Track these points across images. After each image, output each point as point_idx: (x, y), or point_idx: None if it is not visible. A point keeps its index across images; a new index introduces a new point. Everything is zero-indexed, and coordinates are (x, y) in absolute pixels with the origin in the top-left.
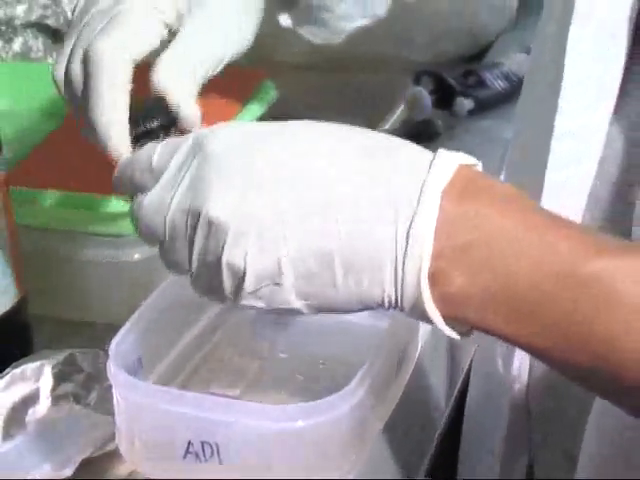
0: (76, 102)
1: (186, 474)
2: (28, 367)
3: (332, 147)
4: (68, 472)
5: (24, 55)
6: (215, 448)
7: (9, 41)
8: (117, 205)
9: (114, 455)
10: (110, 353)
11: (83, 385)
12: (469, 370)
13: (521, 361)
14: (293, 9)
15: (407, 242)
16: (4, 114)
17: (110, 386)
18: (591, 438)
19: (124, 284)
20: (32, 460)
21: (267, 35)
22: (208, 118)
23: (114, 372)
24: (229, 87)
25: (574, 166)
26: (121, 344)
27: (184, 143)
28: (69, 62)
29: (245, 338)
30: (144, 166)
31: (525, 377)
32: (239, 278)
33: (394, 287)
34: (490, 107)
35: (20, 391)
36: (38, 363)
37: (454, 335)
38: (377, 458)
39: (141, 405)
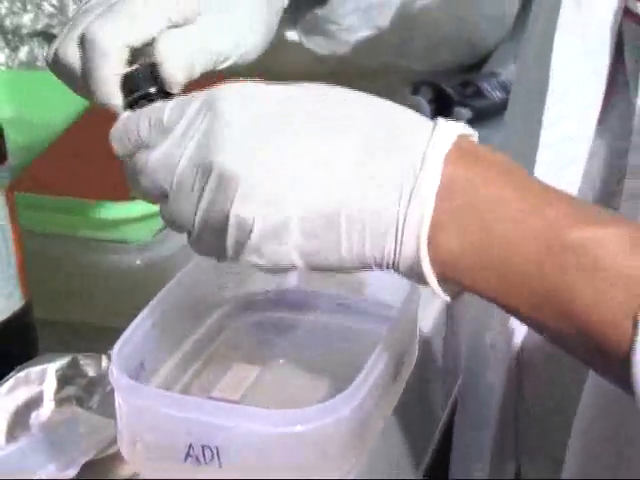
0: (73, 85)
1: (187, 477)
2: (32, 370)
3: (342, 114)
4: (71, 474)
5: (30, 63)
6: (215, 451)
7: (15, 49)
8: (121, 211)
9: (116, 457)
10: (112, 357)
11: (86, 388)
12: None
13: (511, 368)
14: (300, 21)
15: (409, 203)
16: (10, 121)
17: (112, 389)
18: (577, 442)
19: (126, 289)
20: (35, 462)
21: (271, 46)
22: None
23: (116, 376)
24: None
25: (559, 176)
26: (123, 348)
27: (195, 100)
28: (65, 45)
29: (245, 343)
30: (153, 122)
31: (514, 383)
32: (245, 233)
33: (394, 247)
34: (488, 117)
35: (24, 394)
36: (42, 367)
37: (446, 297)
38: (376, 460)
39: (143, 408)
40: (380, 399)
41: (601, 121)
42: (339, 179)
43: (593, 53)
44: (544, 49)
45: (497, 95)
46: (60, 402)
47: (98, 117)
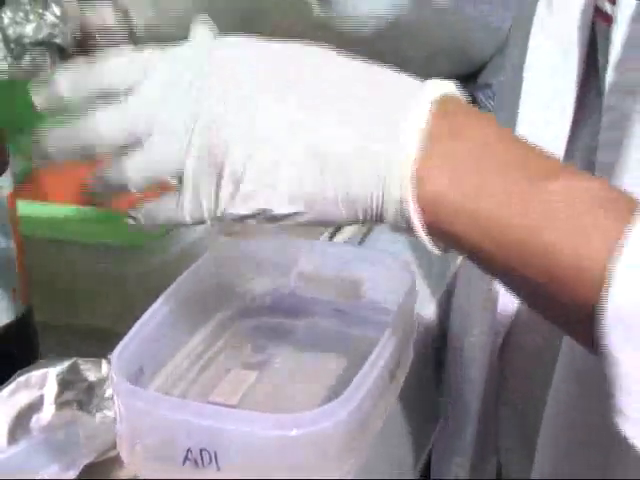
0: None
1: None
2: (33, 375)
3: (336, 63)
4: (71, 476)
5: (33, 72)
6: (213, 455)
7: (18, 58)
8: (120, 218)
9: (116, 460)
10: (112, 362)
11: (86, 392)
12: None
13: (492, 365)
14: None
15: (393, 146)
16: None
17: (112, 394)
18: (546, 438)
19: (126, 294)
20: (36, 464)
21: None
22: None
23: (116, 380)
24: None
25: None
26: (123, 353)
27: (183, 49)
28: None
29: (243, 348)
30: (130, 66)
31: (495, 380)
32: (236, 181)
33: (380, 192)
34: None
35: (25, 398)
36: (43, 371)
37: (434, 249)
38: (373, 462)
39: (142, 412)
40: (377, 402)
41: (576, 120)
42: (324, 123)
43: (566, 53)
44: (521, 53)
45: (491, 105)
46: (60, 406)
47: None
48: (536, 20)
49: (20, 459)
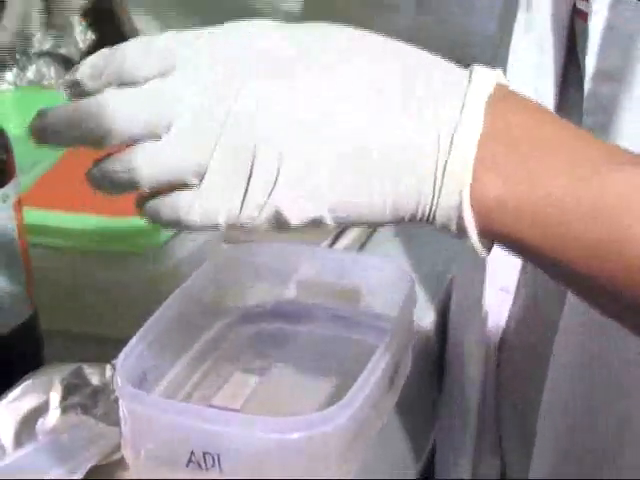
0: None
1: None
2: (38, 379)
3: (377, 56)
4: (76, 479)
5: (37, 82)
6: (216, 458)
7: (24, 69)
8: (124, 225)
9: (120, 463)
10: (117, 367)
11: (90, 397)
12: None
13: (489, 365)
14: None
15: (450, 148)
16: (18, 138)
17: (116, 398)
18: (543, 439)
19: (129, 301)
20: (42, 467)
21: None
22: None
23: (121, 385)
24: None
25: None
26: (127, 359)
27: (202, 34)
28: None
29: (245, 353)
30: (146, 51)
31: (493, 381)
32: (267, 185)
33: (432, 194)
34: None
35: (31, 402)
36: (48, 375)
37: (483, 252)
38: (372, 466)
39: (146, 416)
40: (376, 407)
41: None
42: (374, 122)
43: (547, 52)
44: (506, 55)
45: None
46: (65, 410)
47: None
48: (517, 20)
49: (26, 462)
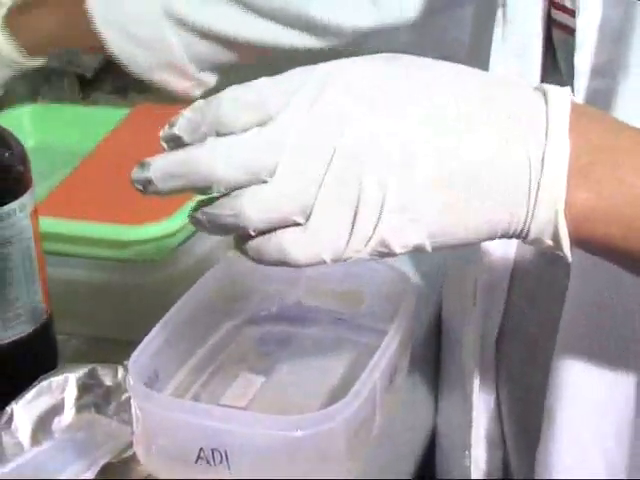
0: None
1: (198, 477)
2: (54, 380)
3: (456, 81)
4: (90, 475)
5: (54, 98)
6: (224, 454)
7: (41, 85)
8: (134, 233)
9: (132, 460)
10: (129, 367)
11: (104, 396)
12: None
13: (488, 358)
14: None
15: (542, 165)
16: (35, 150)
17: (128, 397)
18: (548, 430)
19: (140, 305)
20: (57, 464)
21: None
22: None
23: (133, 385)
24: None
25: None
26: (139, 359)
27: (299, 75)
28: None
29: (251, 354)
30: (245, 102)
31: (492, 374)
32: (373, 219)
33: (526, 210)
34: None
35: (47, 402)
36: (63, 376)
37: (570, 258)
38: (372, 462)
39: (157, 415)
40: (376, 405)
41: None
42: (465, 144)
43: (527, 60)
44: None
45: None
46: (80, 409)
47: (111, 150)
48: (495, 33)
49: (43, 458)
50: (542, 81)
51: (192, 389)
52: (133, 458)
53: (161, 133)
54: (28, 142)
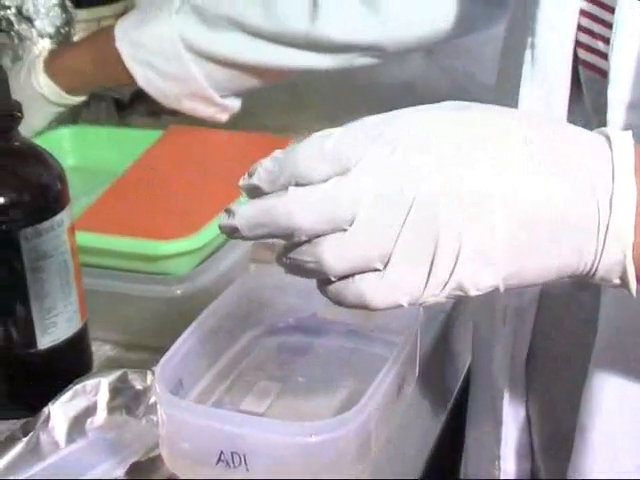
0: None
1: (218, 478)
2: (88, 383)
3: (524, 127)
4: (120, 472)
5: (92, 120)
6: (243, 457)
7: (81, 108)
8: (164, 248)
9: (158, 459)
10: (156, 375)
11: (133, 399)
12: (466, 380)
13: (517, 366)
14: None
15: (611, 210)
16: (74, 169)
17: (156, 401)
18: (582, 441)
19: (168, 315)
20: (90, 461)
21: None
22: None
23: (159, 391)
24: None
25: None
26: (165, 367)
27: (370, 127)
28: None
29: (269, 363)
30: (318, 153)
31: (522, 383)
32: (450, 264)
33: (595, 252)
34: None
35: (81, 403)
36: (96, 380)
37: (635, 295)
38: (382, 466)
39: (181, 419)
40: (386, 412)
41: None
42: (539, 193)
43: (553, 99)
44: (510, 104)
45: None
46: (111, 410)
47: (145, 169)
48: (524, 71)
49: (77, 456)
50: (568, 114)
51: (214, 395)
52: (159, 457)
53: (241, 182)
54: (67, 161)
